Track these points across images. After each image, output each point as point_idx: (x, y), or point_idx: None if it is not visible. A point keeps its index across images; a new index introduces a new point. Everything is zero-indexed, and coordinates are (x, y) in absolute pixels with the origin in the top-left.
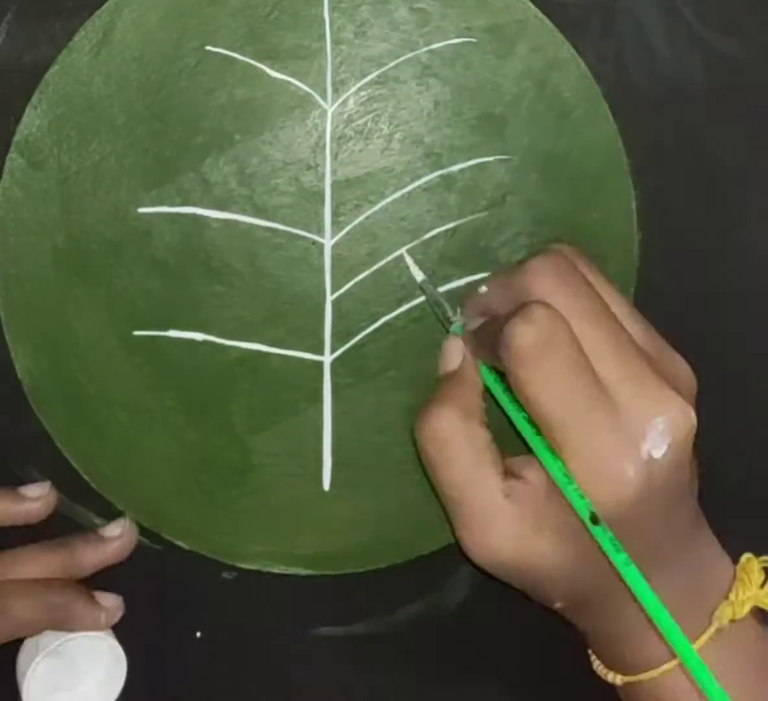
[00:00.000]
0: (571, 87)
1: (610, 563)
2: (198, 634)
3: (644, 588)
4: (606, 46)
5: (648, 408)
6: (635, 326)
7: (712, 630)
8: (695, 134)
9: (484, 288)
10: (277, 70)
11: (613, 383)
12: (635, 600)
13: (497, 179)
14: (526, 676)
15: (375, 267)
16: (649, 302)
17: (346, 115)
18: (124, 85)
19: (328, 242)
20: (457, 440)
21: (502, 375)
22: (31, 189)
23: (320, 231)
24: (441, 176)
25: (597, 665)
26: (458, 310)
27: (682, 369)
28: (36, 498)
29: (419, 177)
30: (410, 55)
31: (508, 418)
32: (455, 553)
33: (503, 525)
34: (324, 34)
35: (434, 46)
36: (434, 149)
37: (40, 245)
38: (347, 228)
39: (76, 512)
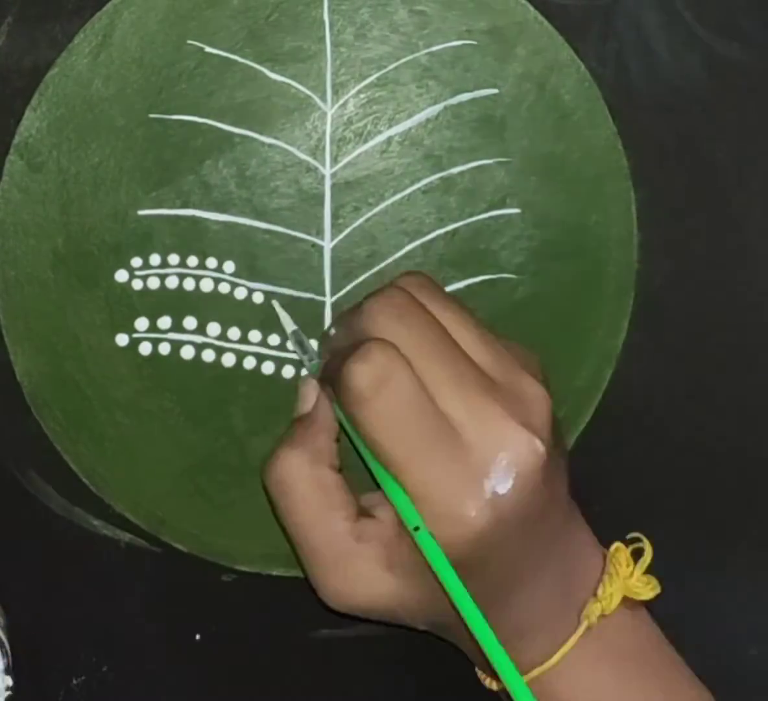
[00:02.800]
0: (571, 90)
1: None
2: (197, 636)
3: (460, 590)
4: (606, 49)
5: (491, 444)
6: (482, 354)
7: (581, 629)
8: (695, 136)
9: (332, 330)
10: (277, 73)
11: (456, 420)
12: (468, 630)
13: (497, 181)
14: None
15: (375, 269)
16: (648, 303)
17: (345, 118)
18: (123, 87)
19: (327, 244)
20: (303, 485)
21: None
22: (30, 191)
23: (320, 233)
24: (441, 179)
25: (477, 671)
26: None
27: (532, 393)
28: None
29: (419, 179)
30: (410, 57)
31: (362, 458)
32: None
33: (353, 569)
34: (324, 37)
35: (434, 48)
36: (434, 152)
37: (39, 248)
38: (347, 230)
39: (75, 515)
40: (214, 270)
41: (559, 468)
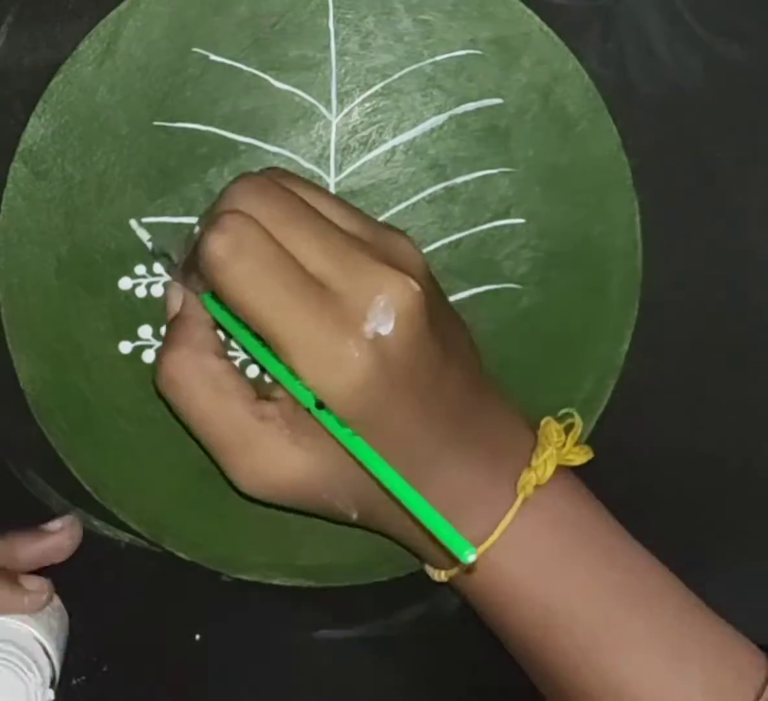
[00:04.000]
0: (575, 100)
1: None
2: (197, 636)
3: (371, 456)
4: (607, 49)
5: (366, 289)
6: (347, 220)
7: (518, 501)
8: (695, 136)
9: (197, 228)
10: (282, 81)
11: (326, 275)
12: (372, 475)
13: (501, 191)
14: (525, 678)
15: None
16: (652, 312)
17: (350, 126)
18: (128, 94)
19: None
20: (191, 378)
21: None
22: (34, 199)
23: None
24: (445, 188)
25: (426, 568)
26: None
27: (403, 246)
28: (58, 530)
29: (423, 189)
30: (415, 66)
31: (230, 335)
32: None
33: (259, 447)
34: (329, 45)
35: (439, 57)
36: (438, 161)
37: (43, 255)
38: None
39: (76, 515)
40: None
41: (454, 329)
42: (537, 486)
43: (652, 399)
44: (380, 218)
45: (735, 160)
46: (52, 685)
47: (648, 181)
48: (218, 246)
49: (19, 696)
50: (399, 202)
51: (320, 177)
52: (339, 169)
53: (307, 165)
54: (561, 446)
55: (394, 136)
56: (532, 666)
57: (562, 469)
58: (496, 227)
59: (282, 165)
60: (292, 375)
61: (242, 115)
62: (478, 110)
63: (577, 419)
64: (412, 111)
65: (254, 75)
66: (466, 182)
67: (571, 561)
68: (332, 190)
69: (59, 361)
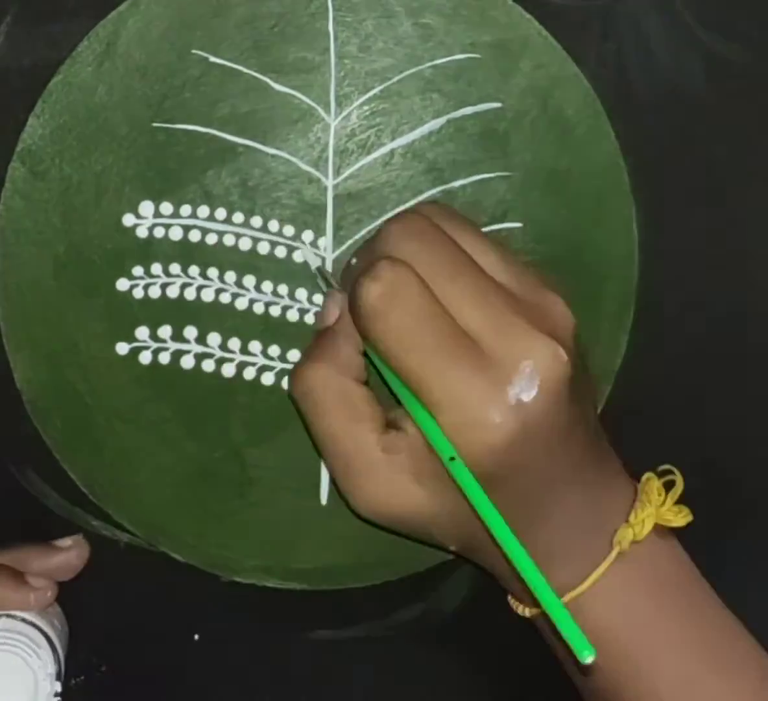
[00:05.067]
0: (574, 105)
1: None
2: (196, 636)
3: (503, 529)
4: (605, 49)
5: (514, 353)
6: (504, 273)
7: (613, 554)
8: (695, 137)
9: (354, 259)
10: (281, 83)
11: (476, 332)
12: (496, 543)
13: (499, 195)
14: (524, 679)
15: None
16: (648, 318)
17: (349, 129)
18: (127, 95)
19: (329, 255)
20: (328, 396)
21: None
22: (32, 199)
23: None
24: (442, 192)
25: (509, 599)
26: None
27: (557, 310)
28: (68, 548)
29: (421, 192)
30: (414, 70)
31: (382, 377)
32: (453, 559)
33: (380, 478)
34: (328, 48)
35: (438, 61)
36: (436, 165)
37: (41, 255)
38: (348, 242)
39: (75, 515)
40: (216, 280)
41: (586, 390)
42: (634, 541)
43: (649, 405)
44: (378, 221)
45: (733, 160)
46: (58, 679)
47: (646, 184)
48: (371, 294)
49: (28, 683)
50: (397, 205)
51: (318, 179)
52: (337, 172)
53: (305, 167)
54: (660, 505)
55: (393, 139)
56: None
57: (660, 525)
58: (493, 231)
59: (280, 167)
60: (434, 424)
61: (241, 117)
62: (476, 114)
63: (678, 478)
64: (411, 114)
65: (253, 77)
66: (463, 186)
67: (659, 617)
68: (330, 193)
69: (56, 362)
